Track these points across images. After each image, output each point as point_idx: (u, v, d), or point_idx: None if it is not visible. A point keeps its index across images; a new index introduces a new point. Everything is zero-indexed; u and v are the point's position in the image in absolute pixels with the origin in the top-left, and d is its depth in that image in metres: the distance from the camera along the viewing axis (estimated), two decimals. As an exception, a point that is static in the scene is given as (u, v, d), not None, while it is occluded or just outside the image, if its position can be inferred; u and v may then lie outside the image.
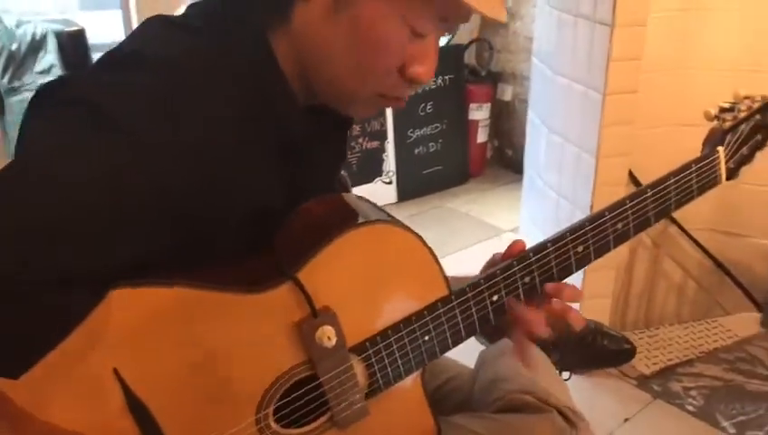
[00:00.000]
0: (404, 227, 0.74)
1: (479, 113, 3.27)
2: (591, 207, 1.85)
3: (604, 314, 1.96)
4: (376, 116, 2.98)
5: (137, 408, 0.63)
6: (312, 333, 0.69)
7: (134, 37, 0.72)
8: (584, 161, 1.84)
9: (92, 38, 2.90)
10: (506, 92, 3.34)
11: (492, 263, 0.88)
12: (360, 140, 2.95)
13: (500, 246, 2.70)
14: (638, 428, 1.74)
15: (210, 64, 0.68)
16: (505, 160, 3.49)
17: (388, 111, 3.00)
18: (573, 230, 0.84)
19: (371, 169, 3.02)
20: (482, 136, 3.32)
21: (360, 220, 0.72)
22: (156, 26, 0.72)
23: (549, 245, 0.82)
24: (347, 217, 0.73)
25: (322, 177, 0.85)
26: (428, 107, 3.10)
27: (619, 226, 0.86)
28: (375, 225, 0.72)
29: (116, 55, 0.69)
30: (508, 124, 3.42)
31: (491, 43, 3.34)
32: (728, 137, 0.94)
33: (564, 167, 1.96)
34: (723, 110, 0.97)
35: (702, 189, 0.92)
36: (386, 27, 0.70)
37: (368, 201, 0.78)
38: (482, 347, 1.07)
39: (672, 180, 0.89)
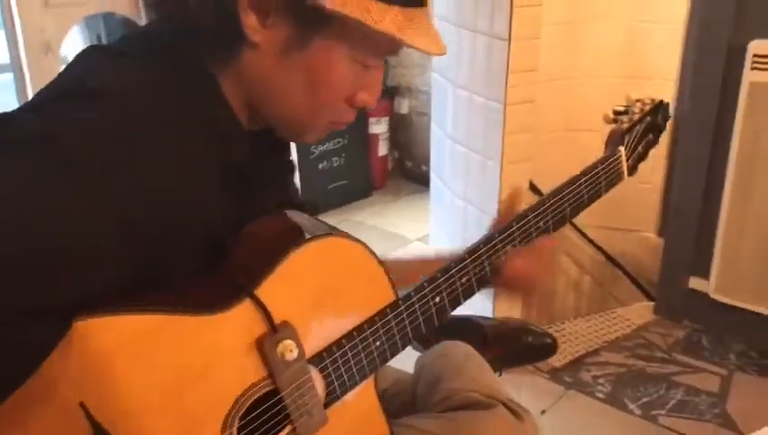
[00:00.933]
0: (351, 237, 0.76)
1: (378, 127, 3.34)
2: (498, 210, 1.93)
3: (516, 311, 2.06)
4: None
5: (103, 439, 0.61)
6: (274, 348, 0.70)
7: (77, 69, 0.69)
8: (489, 168, 1.93)
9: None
10: (403, 106, 3.43)
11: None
12: (264, 158, 2.93)
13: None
14: (556, 418, 1.84)
15: (158, 95, 0.67)
16: (406, 172, 3.57)
17: (290, 128, 3.00)
18: (501, 232, 0.90)
19: (276, 187, 3.01)
20: (382, 149, 3.40)
21: (307, 235, 0.74)
22: (98, 58, 0.70)
23: (481, 246, 0.88)
24: (294, 233, 0.74)
25: (267, 195, 0.85)
26: (329, 122, 3.13)
27: (541, 223, 0.93)
28: (325, 238, 0.74)
29: (62, 89, 0.67)
30: (406, 136, 3.51)
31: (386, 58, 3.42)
32: (626, 137, 1.03)
33: (470, 175, 2.05)
34: (618, 112, 1.06)
35: (609, 186, 1.00)
36: (337, 67, 0.73)
37: (309, 217, 0.79)
38: (417, 354, 1.11)
39: (583, 179, 0.97)
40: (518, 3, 1.75)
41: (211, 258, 0.72)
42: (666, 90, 2.25)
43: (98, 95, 0.64)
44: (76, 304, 0.58)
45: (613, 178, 1.02)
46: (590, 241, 2.45)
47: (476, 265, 0.88)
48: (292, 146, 3.25)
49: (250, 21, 0.69)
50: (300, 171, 3.05)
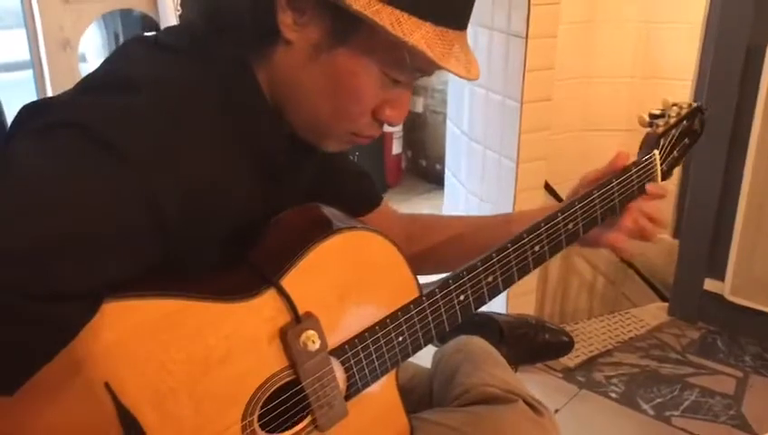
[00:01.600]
0: (378, 232, 0.76)
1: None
2: (513, 209, 1.94)
3: (530, 309, 2.05)
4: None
5: (128, 421, 0.62)
6: (297, 338, 0.71)
7: (118, 59, 0.71)
8: (505, 167, 1.93)
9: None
10: (417, 104, 3.43)
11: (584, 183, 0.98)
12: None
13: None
14: (569, 417, 1.83)
15: (198, 87, 0.69)
16: (420, 170, 3.57)
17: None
18: (530, 231, 0.89)
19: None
20: (396, 147, 3.40)
21: (336, 228, 0.75)
22: (140, 48, 0.72)
23: (509, 245, 0.87)
24: (323, 225, 0.75)
25: (303, 193, 0.85)
26: (344, 120, 3.14)
27: (570, 226, 0.92)
28: (352, 231, 0.75)
29: (101, 78, 0.69)
30: (421, 135, 3.51)
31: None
32: (662, 141, 1.02)
33: (486, 173, 2.05)
34: (654, 116, 1.05)
35: (642, 189, 0.99)
36: (362, 77, 0.73)
37: (340, 212, 0.80)
38: (434, 348, 1.11)
39: (615, 182, 0.95)
40: (536, 1, 1.75)
41: (239, 247, 0.73)
42: (683, 90, 2.24)
43: (133, 86, 0.65)
44: (104, 288, 0.59)
45: (646, 182, 1.01)
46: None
47: (503, 265, 0.88)
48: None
49: (286, 18, 0.70)
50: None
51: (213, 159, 0.68)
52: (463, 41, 0.75)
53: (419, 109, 3.44)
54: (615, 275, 2.61)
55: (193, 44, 0.72)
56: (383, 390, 0.82)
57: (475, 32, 2.01)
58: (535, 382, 1.95)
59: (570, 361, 2.03)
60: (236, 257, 0.73)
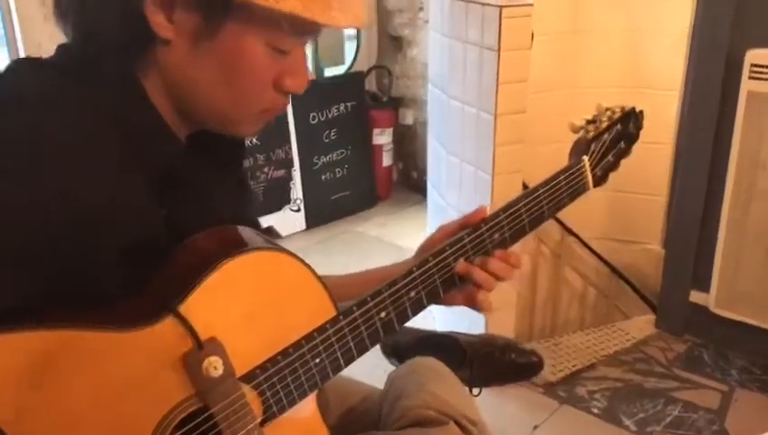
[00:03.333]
0: (287, 252, 0.75)
1: (382, 138, 3.33)
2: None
3: (509, 327, 2.02)
4: (281, 144, 2.98)
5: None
6: (199, 365, 0.69)
7: (1, 80, 0.70)
8: (481, 179, 1.91)
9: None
10: (407, 117, 3.42)
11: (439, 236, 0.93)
12: (266, 169, 2.94)
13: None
14: (548, 433, 1.80)
15: (81, 101, 0.67)
16: (411, 183, 3.56)
17: (293, 139, 3.01)
18: (452, 244, 0.88)
19: (279, 198, 3.01)
20: (387, 160, 3.39)
21: (243, 249, 0.73)
22: (22, 68, 0.71)
23: (430, 259, 0.86)
24: (231, 247, 0.73)
25: (213, 209, 0.84)
26: (333, 133, 3.13)
27: (496, 236, 0.91)
28: (256, 252, 0.73)
29: None
30: (411, 147, 3.50)
31: (390, 69, 3.42)
32: (592, 146, 1.00)
33: (464, 186, 2.03)
34: (587, 121, 1.04)
35: (572, 196, 0.97)
36: (249, 55, 0.72)
37: (260, 234, 0.78)
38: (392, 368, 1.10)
39: (542, 190, 0.94)
40: (507, 14, 1.73)
41: (140, 266, 0.71)
42: (670, 100, 2.21)
43: (16, 105, 0.64)
44: None
45: (576, 189, 1.00)
46: (594, 252, 2.41)
47: (425, 279, 0.86)
48: (294, 155, 3.19)
49: (157, 19, 0.69)
50: (302, 182, 3.06)
51: (95, 173, 0.66)
52: None
53: (409, 121, 3.43)
54: (606, 287, 2.58)
55: (77, 58, 0.71)
56: (304, 413, 0.80)
57: (449, 45, 2.00)
58: (515, 397, 1.92)
59: (552, 375, 2.00)
60: (139, 280, 0.71)
